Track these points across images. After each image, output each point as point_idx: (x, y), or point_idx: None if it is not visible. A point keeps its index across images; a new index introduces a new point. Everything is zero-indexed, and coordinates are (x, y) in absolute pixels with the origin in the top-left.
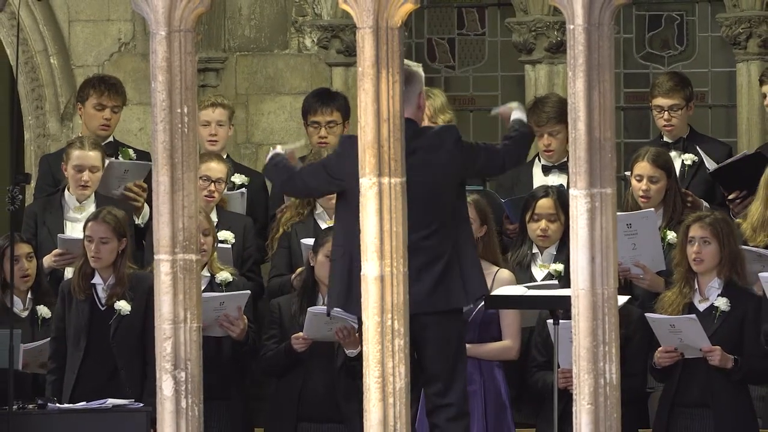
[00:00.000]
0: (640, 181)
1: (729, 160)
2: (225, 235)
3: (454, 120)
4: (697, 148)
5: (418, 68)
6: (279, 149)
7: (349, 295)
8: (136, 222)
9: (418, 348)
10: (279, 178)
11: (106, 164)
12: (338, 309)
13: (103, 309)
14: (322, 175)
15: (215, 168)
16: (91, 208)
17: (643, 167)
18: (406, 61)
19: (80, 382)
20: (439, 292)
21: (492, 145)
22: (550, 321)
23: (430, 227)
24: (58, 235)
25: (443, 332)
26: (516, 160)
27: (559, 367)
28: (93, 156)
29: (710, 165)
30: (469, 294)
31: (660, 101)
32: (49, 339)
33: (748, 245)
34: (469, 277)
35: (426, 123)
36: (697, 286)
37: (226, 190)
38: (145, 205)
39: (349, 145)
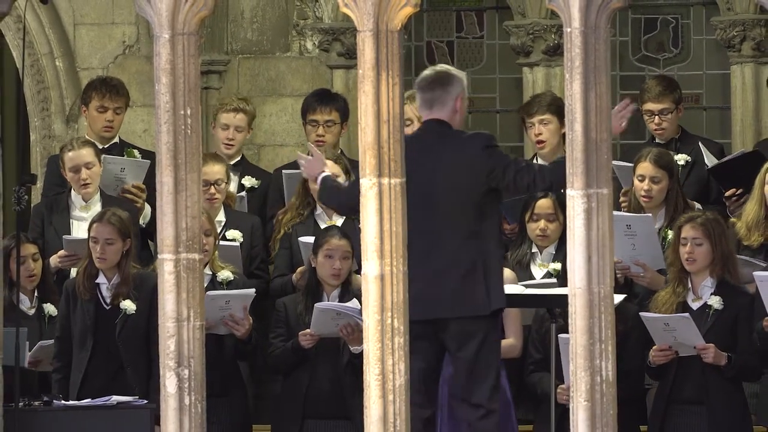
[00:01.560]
0: (642, 181)
1: (726, 158)
2: (233, 234)
3: None
4: (700, 144)
5: (459, 73)
6: (326, 172)
7: None
8: (139, 222)
9: (446, 347)
10: (336, 203)
11: (102, 159)
12: (344, 305)
13: (108, 308)
14: (357, 188)
15: (211, 171)
16: (97, 207)
17: (645, 167)
18: (445, 66)
19: (87, 381)
20: (460, 298)
21: (528, 163)
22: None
23: (453, 229)
24: (64, 236)
25: (466, 334)
26: (547, 183)
27: (559, 373)
28: (85, 153)
29: (709, 161)
30: (492, 303)
31: (650, 106)
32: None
33: (742, 245)
34: (492, 288)
35: (415, 123)
36: (690, 285)
37: (235, 189)
38: (146, 205)
39: None
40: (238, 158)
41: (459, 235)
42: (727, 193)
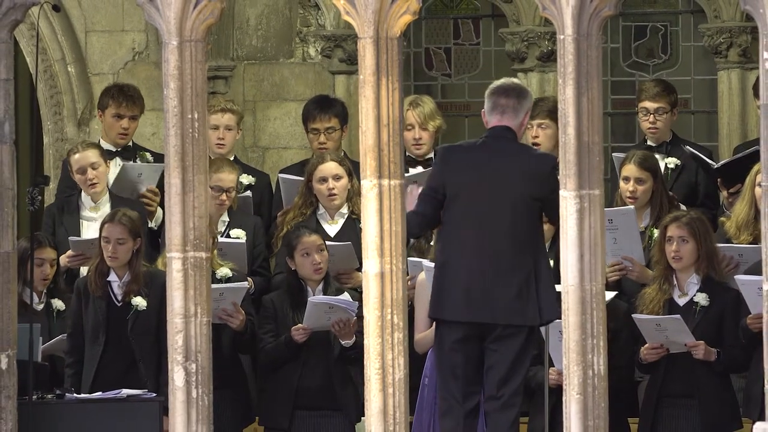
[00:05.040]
0: (627, 182)
1: (739, 155)
2: (237, 233)
3: (444, 126)
4: (687, 147)
5: (529, 90)
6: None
7: (440, 302)
8: (150, 225)
9: (482, 345)
10: (410, 231)
11: (120, 167)
12: (336, 297)
13: (119, 305)
14: (429, 196)
15: (226, 178)
16: (106, 207)
17: (629, 169)
18: (515, 80)
19: (99, 375)
20: (515, 307)
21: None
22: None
23: (508, 237)
24: (70, 237)
25: (509, 334)
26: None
27: (551, 364)
28: (90, 154)
29: (710, 161)
30: (543, 316)
31: (647, 104)
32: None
33: (732, 243)
34: (545, 299)
35: (416, 129)
36: (676, 282)
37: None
38: (158, 209)
39: (440, 155)
40: (231, 158)
41: (514, 244)
42: (731, 190)
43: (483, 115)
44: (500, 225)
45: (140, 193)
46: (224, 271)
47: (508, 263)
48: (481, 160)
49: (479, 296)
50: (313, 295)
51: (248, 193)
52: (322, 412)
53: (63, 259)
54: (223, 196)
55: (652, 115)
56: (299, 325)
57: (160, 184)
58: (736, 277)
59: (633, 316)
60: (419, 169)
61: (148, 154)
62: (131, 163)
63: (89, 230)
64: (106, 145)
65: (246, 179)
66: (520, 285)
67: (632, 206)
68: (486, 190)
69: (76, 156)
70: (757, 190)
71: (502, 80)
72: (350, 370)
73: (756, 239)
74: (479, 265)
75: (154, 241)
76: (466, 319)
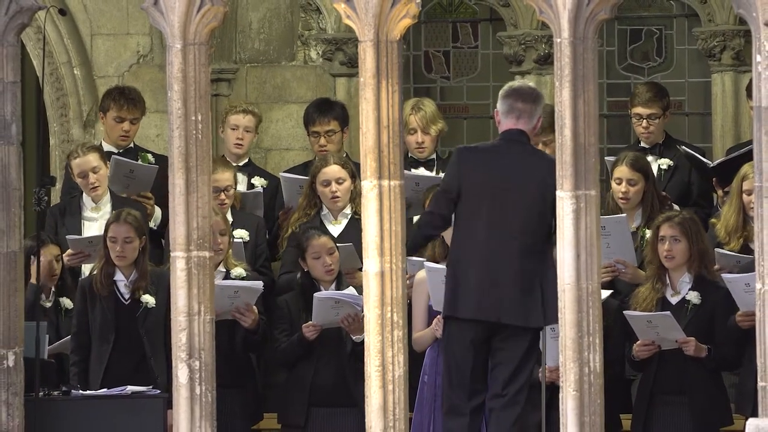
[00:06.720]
0: (619, 183)
1: (734, 154)
2: (240, 233)
3: (446, 128)
4: (682, 147)
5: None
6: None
7: (454, 301)
8: (149, 224)
9: (489, 344)
10: (425, 233)
11: (112, 160)
12: (341, 292)
13: (127, 303)
14: (442, 198)
15: (221, 177)
16: (107, 207)
17: (622, 171)
18: (529, 83)
19: (109, 372)
20: (520, 308)
21: None
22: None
23: (520, 238)
24: (67, 236)
25: (518, 339)
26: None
27: (545, 363)
28: (91, 158)
29: (706, 159)
30: (547, 318)
31: (639, 110)
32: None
33: (722, 248)
34: (549, 302)
35: (419, 133)
36: (668, 281)
37: (245, 189)
38: (156, 208)
39: (456, 157)
40: (246, 160)
41: (525, 246)
42: (727, 188)
43: (496, 114)
44: (512, 226)
45: (133, 198)
46: (238, 270)
47: (518, 265)
48: (496, 161)
49: (489, 296)
50: None
51: (260, 189)
52: (337, 409)
53: (64, 258)
54: (222, 196)
55: (645, 120)
56: (309, 322)
57: (154, 186)
58: (723, 275)
59: (624, 312)
60: (421, 169)
61: (149, 155)
62: (124, 159)
63: (90, 230)
64: (108, 147)
65: (258, 182)
66: (527, 287)
67: (624, 215)
68: (499, 192)
69: (77, 160)
70: (746, 197)
71: (518, 83)
72: (363, 366)
73: (746, 241)
74: (490, 266)
75: (156, 241)
76: (476, 317)
